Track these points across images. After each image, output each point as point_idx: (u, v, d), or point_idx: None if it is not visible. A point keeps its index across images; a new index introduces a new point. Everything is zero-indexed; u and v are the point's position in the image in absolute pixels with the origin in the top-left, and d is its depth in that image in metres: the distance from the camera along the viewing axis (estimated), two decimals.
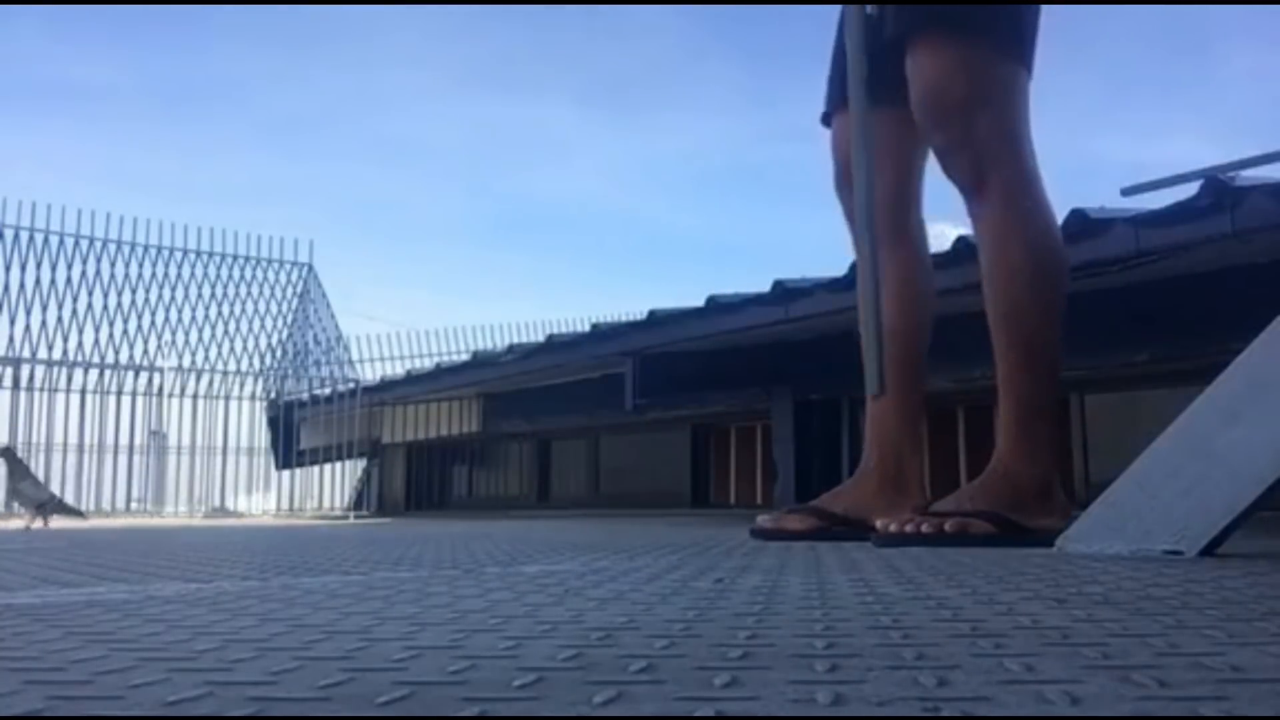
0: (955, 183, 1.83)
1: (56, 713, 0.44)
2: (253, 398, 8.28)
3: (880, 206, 1.89)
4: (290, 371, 8.50)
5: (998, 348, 1.79)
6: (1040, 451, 1.76)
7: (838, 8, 2.04)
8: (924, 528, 1.64)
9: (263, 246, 8.61)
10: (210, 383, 8.04)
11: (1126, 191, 3.47)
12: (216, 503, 8.07)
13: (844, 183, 2.00)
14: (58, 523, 4.08)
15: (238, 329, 8.39)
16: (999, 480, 1.74)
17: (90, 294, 7.71)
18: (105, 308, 7.76)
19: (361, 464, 8.58)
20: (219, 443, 8.06)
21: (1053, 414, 1.81)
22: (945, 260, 3.50)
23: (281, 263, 8.69)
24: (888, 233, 1.94)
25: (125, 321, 7.84)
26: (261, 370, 8.40)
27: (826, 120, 2.11)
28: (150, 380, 7.77)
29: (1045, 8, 1.89)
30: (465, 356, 7.48)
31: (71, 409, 7.45)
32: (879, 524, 1.71)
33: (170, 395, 7.87)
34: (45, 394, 7.39)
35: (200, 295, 8.26)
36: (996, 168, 1.78)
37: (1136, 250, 3.03)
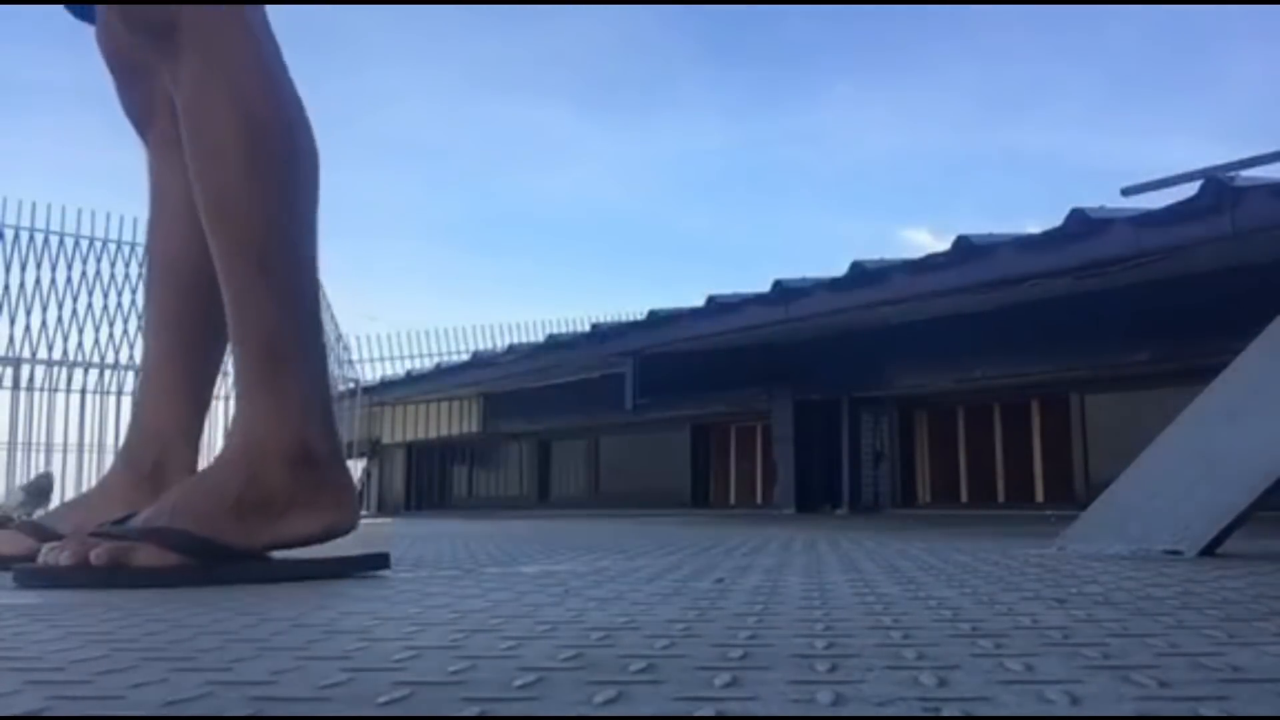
0: (140, 36, 1.29)
1: (56, 713, 0.44)
2: None
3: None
4: None
5: (217, 262, 1.23)
6: (290, 413, 1.19)
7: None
8: (64, 558, 1.06)
9: None
10: None
11: (1126, 191, 3.48)
12: None
13: None
14: None
15: None
16: (226, 470, 1.17)
17: (90, 294, 7.70)
18: (105, 308, 7.75)
19: (361, 464, 8.59)
20: (219, 443, 8.06)
21: (311, 357, 1.24)
22: (946, 261, 3.51)
23: None
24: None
25: (125, 321, 7.82)
26: None
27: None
28: None
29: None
30: (465, 356, 7.49)
31: (71, 409, 7.45)
32: (44, 550, 1.10)
33: None
34: (45, 394, 7.39)
35: None
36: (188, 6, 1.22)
37: (1137, 250, 3.03)
